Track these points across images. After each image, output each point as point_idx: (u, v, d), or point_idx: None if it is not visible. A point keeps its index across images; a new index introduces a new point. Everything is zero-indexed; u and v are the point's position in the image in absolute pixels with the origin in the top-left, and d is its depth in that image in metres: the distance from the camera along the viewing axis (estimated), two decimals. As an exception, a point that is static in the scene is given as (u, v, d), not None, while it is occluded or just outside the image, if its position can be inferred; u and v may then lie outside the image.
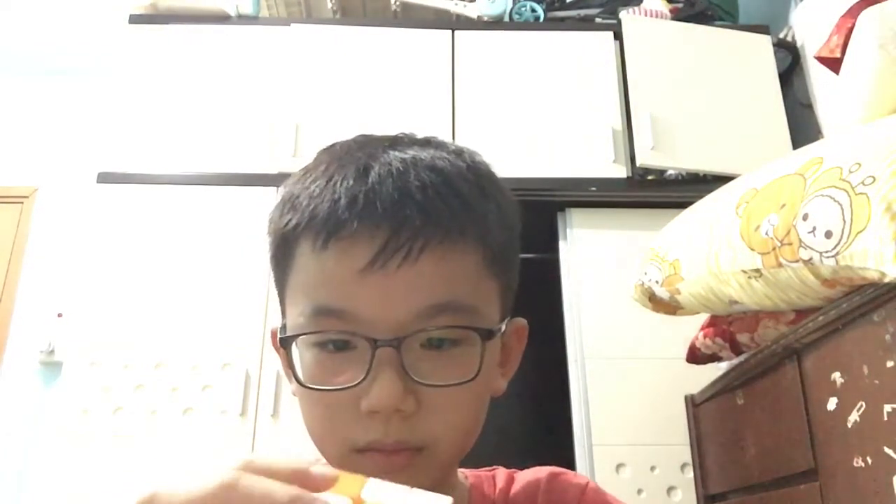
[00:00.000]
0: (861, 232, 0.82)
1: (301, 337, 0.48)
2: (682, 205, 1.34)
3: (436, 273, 0.46)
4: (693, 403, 1.41)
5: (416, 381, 0.46)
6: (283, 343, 0.49)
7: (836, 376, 0.90)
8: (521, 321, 0.56)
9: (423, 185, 0.47)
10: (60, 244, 2.36)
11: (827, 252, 0.87)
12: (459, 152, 0.55)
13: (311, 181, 0.49)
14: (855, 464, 0.85)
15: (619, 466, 1.66)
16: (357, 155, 0.50)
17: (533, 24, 2.17)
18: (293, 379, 0.49)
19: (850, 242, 0.83)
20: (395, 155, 0.49)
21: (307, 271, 0.48)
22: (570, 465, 1.70)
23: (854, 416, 0.86)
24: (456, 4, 2.16)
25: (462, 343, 0.47)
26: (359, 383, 0.45)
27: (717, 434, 1.32)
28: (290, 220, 0.49)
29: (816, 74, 2.04)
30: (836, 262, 0.86)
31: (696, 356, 1.39)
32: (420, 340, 0.46)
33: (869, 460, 0.83)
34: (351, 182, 0.47)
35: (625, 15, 2.11)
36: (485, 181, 0.53)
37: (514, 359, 0.56)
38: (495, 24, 2.14)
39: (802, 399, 0.98)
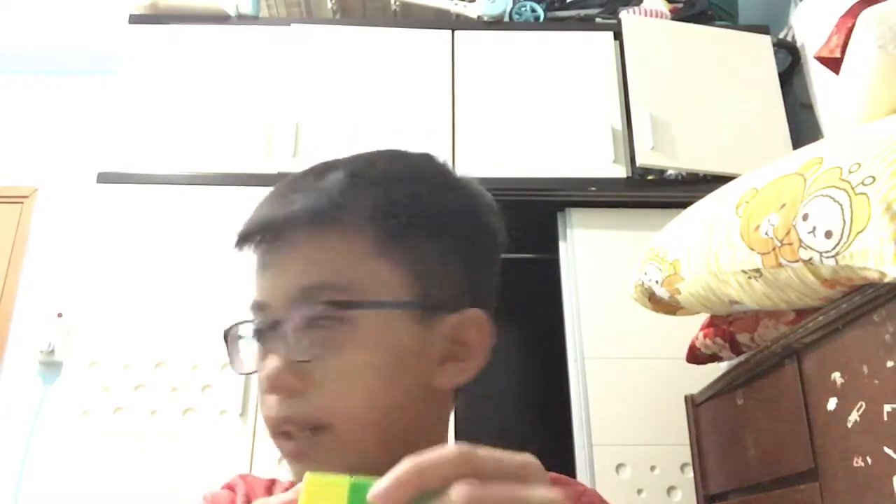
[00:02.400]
0: (861, 232, 0.82)
1: (238, 331, 0.55)
2: (682, 205, 1.34)
3: (305, 259, 0.52)
4: (693, 403, 1.41)
5: (295, 360, 0.50)
6: (224, 337, 0.55)
7: (836, 376, 0.90)
8: (475, 312, 0.54)
9: (294, 189, 0.54)
10: (60, 244, 2.36)
11: (827, 252, 0.87)
12: (358, 159, 0.60)
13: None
14: (855, 464, 0.85)
15: (619, 466, 1.66)
16: (282, 182, 0.58)
17: (533, 24, 2.17)
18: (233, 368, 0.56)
19: (850, 242, 0.83)
20: (297, 176, 0.57)
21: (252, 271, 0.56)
22: (571, 465, 1.70)
23: (854, 416, 0.86)
24: (456, 4, 2.16)
25: (349, 321, 0.50)
26: (258, 369, 0.51)
27: (717, 434, 1.32)
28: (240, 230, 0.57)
29: (816, 74, 2.04)
30: (836, 262, 0.86)
31: (696, 356, 1.39)
32: (303, 321, 0.50)
33: (869, 460, 0.83)
34: (265, 199, 0.57)
35: (625, 15, 2.11)
36: (371, 173, 0.56)
37: (474, 353, 0.54)
38: (495, 24, 2.14)
39: (802, 399, 0.98)
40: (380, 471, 0.48)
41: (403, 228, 0.52)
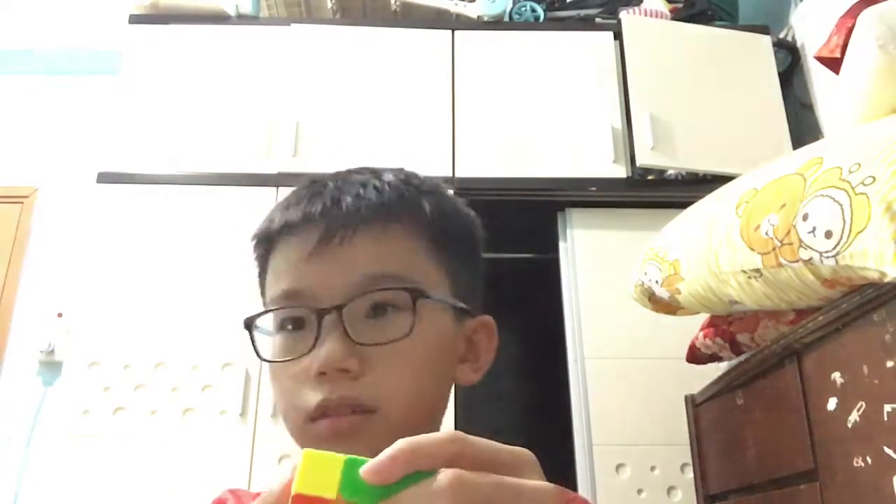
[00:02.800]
0: (861, 232, 0.82)
1: (267, 322, 0.56)
2: (682, 205, 1.34)
3: (369, 251, 0.54)
4: (693, 403, 1.40)
5: (357, 343, 0.52)
6: (246, 325, 0.57)
7: (836, 376, 0.90)
8: (487, 318, 0.61)
9: (359, 184, 0.57)
10: (60, 244, 2.36)
11: (827, 252, 0.87)
12: (401, 170, 0.63)
13: (283, 200, 0.60)
14: (855, 464, 0.85)
15: (619, 466, 1.66)
16: (322, 180, 0.60)
17: (533, 24, 2.17)
18: (259, 358, 0.56)
19: (850, 242, 0.83)
20: (344, 173, 0.60)
21: (275, 266, 0.58)
22: (571, 465, 1.70)
23: (854, 416, 0.86)
24: (456, 4, 2.16)
25: (402, 309, 0.53)
26: (309, 351, 0.52)
27: (717, 434, 1.32)
28: (264, 227, 0.60)
29: (816, 74, 2.04)
30: (836, 262, 0.86)
31: (696, 356, 1.39)
32: (363, 308, 0.53)
33: (869, 460, 0.83)
34: (304, 193, 0.58)
35: (625, 15, 2.11)
36: (417, 182, 0.60)
37: (484, 355, 0.60)
38: (495, 24, 2.14)
39: (802, 399, 0.98)
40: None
41: (449, 238, 0.58)
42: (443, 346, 0.56)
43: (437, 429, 0.55)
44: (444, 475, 0.26)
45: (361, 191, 0.56)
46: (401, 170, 0.62)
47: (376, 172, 0.60)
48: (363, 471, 0.27)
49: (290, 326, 0.55)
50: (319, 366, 0.51)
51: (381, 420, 0.52)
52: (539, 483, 0.29)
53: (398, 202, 0.56)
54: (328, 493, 0.27)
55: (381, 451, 0.43)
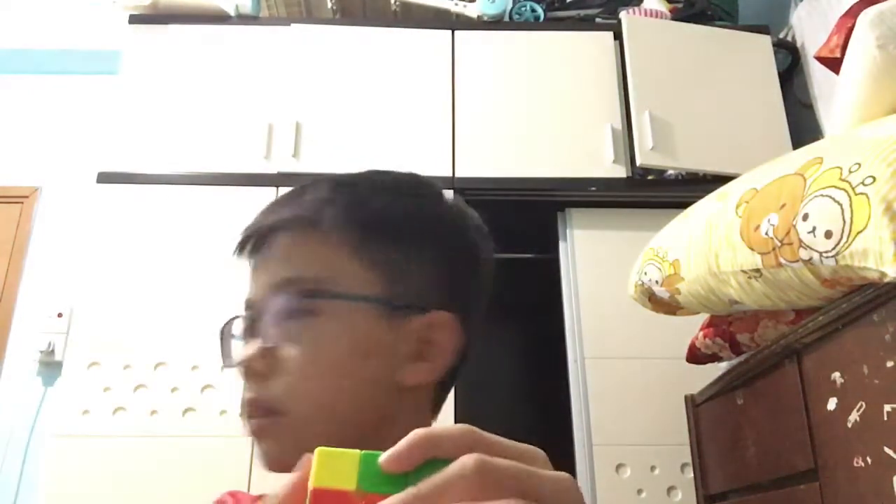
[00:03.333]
0: (861, 232, 0.82)
1: (230, 328, 0.60)
2: (682, 205, 1.34)
3: (284, 258, 0.56)
4: (693, 403, 1.41)
5: (265, 346, 0.54)
6: (219, 335, 0.59)
7: (836, 376, 0.90)
8: (442, 315, 0.56)
9: (281, 202, 0.60)
10: (61, 244, 2.36)
11: (827, 252, 0.87)
12: (379, 172, 0.64)
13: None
14: (855, 464, 0.85)
15: (619, 466, 1.66)
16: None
17: (533, 24, 2.17)
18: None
19: (850, 242, 0.83)
20: (310, 182, 0.62)
21: None
22: (571, 465, 1.70)
23: (854, 416, 0.86)
24: (456, 4, 2.16)
25: (318, 313, 0.54)
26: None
27: (717, 434, 1.32)
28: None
29: (816, 74, 2.04)
30: (836, 262, 0.86)
31: (696, 356, 1.39)
32: (274, 312, 0.55)
33: (869, 460, 0.83)
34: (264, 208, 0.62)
35: (625, 15, 2.11)
36: (346, 181, 0.61)
37: (439, 353, 0.56)
38: (495, 24, 2.14)
39: (802, 399, 0.98)
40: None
41: (376, 234, 0.57)
42: (361, 347, 0.54)
43: (389, 431, 0.50)
44: (468, 458, 0.26)
45: (285, 207, 0.59)
46: (343, 175, 0.62)
47: (306, 186, 0.60)
48: (382, 460, 0.27)
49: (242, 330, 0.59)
50: (236, 368, 0.55)
51: (288, 423, 0.53)
52: (557, 472, 0.29)
53: (314, 210, 0.57)
54: (348, 485, 0.27)
55: (292, 448, 0.46)
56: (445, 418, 1.87)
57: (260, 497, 0.64)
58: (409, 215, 0.59)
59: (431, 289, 0.57)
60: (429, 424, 0.58)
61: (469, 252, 0.62)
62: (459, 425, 0.28)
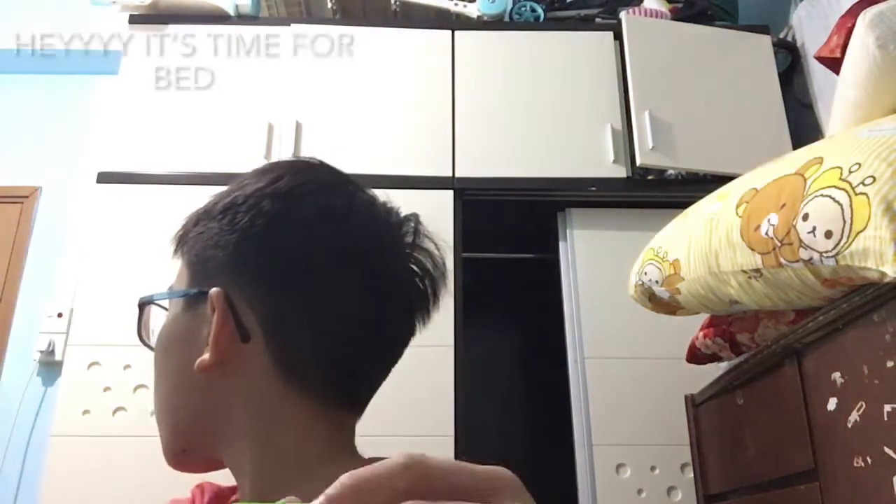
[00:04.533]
0: (861, 232, 0.82)
1: None
2: (682, 205, 1.34)
3: None
4: (693, 403, 1.41)
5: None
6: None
7: (836, 376, 0.90)
8: (214, 292, 0.52)
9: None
10: (61, 244, 2.36)
11: (827, 252, 0.87)
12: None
13: None
14: (855, 464, 0.85)
15: (619, 466, 1.66)
16: None
17: (533, 24, 2.17)
18: None
19: (850, 242, 0.83)
20: None
21: None
22: (571, 465, 1.70)
23: (854, 416, 0.86)
24: (456, 4, 2.16)
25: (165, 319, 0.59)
26: None
27: (717, 434, 1.32)
28: None
29: (816, 74, 2.04)
30: (836, 262, 0.86)
31: (696, 356, 1.39)
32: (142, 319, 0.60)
33: (869, 460, 0.83)
34: None
35: (625, 15, 2.11)
36: (226, 193, 0.59)
37: (213, 328, 0.52)
38: (495, 23, 2.14)
39: (802, 399, 0.98)
40: (186, 460, 0.56)
41: (185, 233, 0.58)
42: (167, 340, 0.57)
43: (209, 426, 0.55)
44: None
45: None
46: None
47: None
48: None
49: None
50: None
51: (160, 435, 0.58)
52: None
53: (186, 227, 0.59)
54: None
55: (166, 452, 0.55)
56: (445, 418, 1.87)
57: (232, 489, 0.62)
58: (215, 204, 0.57)
59: (217, 268, 0.54)
60: (263, 417, 0.52)
61: (246, 221, 0.54)
62: (398, 460, 0.23)
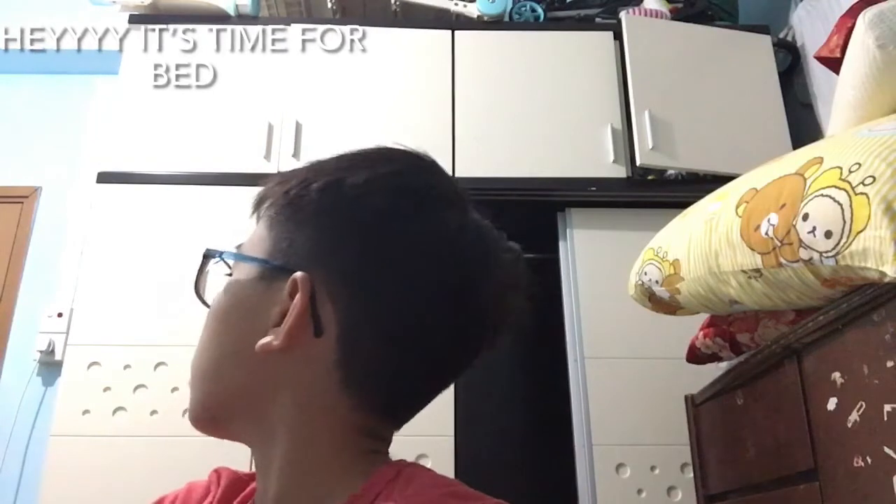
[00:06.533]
0: (861, 232, 0.82)
1: None
2: (682, 205, 1.34)
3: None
4: (693, 403, 1.41)
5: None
6: None
7: (836, 376, 0.90)
8: (300, 275, 0.50)
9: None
10: (61, 244, 2.36)
11: (827, 252, 0.87)
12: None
13: None
14: (855, 464, 0.85)
15: (619, 466, 1.66)
16: None
17: (533, 24, 2.17)
18: None
19: (850, 242, 0.83)
20: None
21: None
22: (570, 465, 1.70)
23: (854, 416, 0.86)
24: (456, 4, 2.16)
25: (229, 279, 0.56)
26: None
27: (717, 434, 1.32)
28: None
29: (816, 74, 2.04)
30: (836, 262, 0.86)
31: (696, 356, 1.39)
32: (204, 273, 0.59)
33: (869, 460, 0.83)
34: None
35: (625, 15, 2.11)
36: (306, 169, 0.61)
37: (288, 316, 0.50)
38: (495, 23, 2.14)
39: (802, 399, 0.98)
40: (210, 426, 0.54)
41: (275, 197, 0.56)
42: (237, 311, 0.53)
43: (254, 401, 0.51)
44: None
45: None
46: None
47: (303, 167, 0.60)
48: None
49: None
50: None
51: (190, 382, 0.54)
52: None
53: (270, 189, 0.57)
54: None
55: (193, 415, 0.53)
56: (445, 418, 1.88)
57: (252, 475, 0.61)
58: (313, 172, 0.58)
59: (309, 249, 0.52)
60: (325, 408, 0.50)
61: (350, 210, 0.53)
62: None
